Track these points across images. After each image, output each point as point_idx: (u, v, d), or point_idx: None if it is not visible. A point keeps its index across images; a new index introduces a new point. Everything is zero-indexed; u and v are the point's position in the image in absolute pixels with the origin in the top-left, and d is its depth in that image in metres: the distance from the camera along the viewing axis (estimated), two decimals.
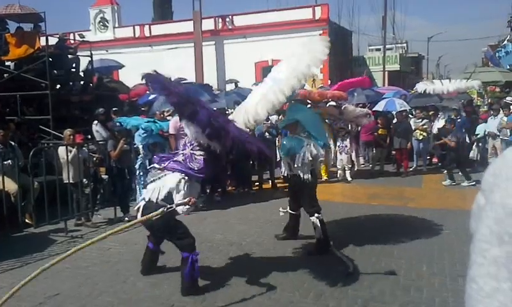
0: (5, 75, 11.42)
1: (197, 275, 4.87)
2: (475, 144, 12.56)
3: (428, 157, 13.33)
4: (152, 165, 5.18)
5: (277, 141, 11.01)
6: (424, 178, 11.64)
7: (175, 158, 4.87)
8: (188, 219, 8.09)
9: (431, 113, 13.19)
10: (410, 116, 13.53)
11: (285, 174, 6.62)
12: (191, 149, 4.82)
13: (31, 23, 12.17)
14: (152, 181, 4.87)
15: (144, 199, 4.91)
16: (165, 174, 4.78)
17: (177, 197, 4.61)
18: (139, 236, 7.15)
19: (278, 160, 11.49)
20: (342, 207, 8.61)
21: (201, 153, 4.76)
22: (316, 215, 6.11)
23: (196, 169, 4.73)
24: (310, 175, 6.07)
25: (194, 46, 25.33)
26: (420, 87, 13.50)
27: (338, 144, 11.08)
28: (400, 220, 7.49)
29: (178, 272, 5.06)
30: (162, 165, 4.86)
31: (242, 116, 5.47)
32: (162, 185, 4.71)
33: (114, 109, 10.64)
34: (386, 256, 5.89)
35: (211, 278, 5.25)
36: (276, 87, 5.43)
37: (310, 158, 5.96)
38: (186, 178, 4.69)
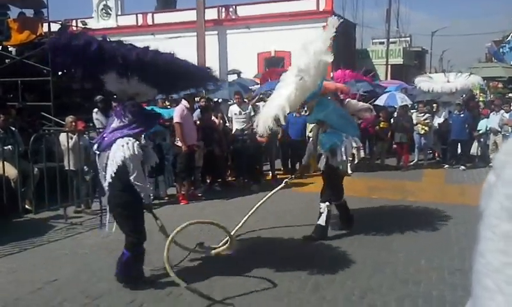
0: (7, 60, 11.39)
1: (135, 273, 4.66)
2: (476, 139, 12.53)
3: (429, 152, 13.32)
4: (95, 152, 4.64)
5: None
6: (424, 172, 11.64)
7: (109, 130, 4.43)
8: (187, 209, 8.17)
9: (434, 106, 13.16)
10: (412, 110, 13.51)
11: (322, 169, 6.64)
12: (122, 107, 4.43)
13: (34, 9, 12.11)
14: (105, 166, 4.41)
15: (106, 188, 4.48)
16: (110, 150, 4.34)
17: (131, 167, 4.19)
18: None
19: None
20: None
21: (131, 102, 4.40)
22: (327, 203, 6.33)
23: (128, 122, 4.33)
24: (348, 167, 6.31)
25: (197, 35, 25.22)
26: (422, 84, 13.35)
27: None
28: (400, 214, 7.49)
29: (178, 258, 5.07)
30: (102, 145, 4.42)
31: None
32: (112, 159, 4.27)
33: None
34: (385, 249, 5.90)
35: (208, 269, 5.26)
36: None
37: (352, 151, 6.28)
38: (131, 138, 4.28)
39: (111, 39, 4.41)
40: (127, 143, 4.20)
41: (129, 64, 4.08)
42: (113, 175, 4.27)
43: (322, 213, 6.31)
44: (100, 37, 4.29)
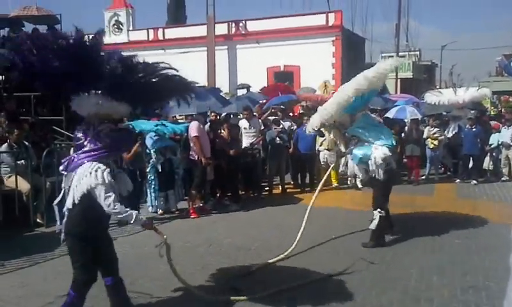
0: None
1: None
2: (488, 154, 12.41)
3: (440, 166, 13.22)
4: (62, 173, 4.22)
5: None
6: (435, 187, 11.54)
7: (79, 152, 4.03)
8: (198, 223, 8.18)
9: (445, 119, 13.09)
10: (423, 124, 13.44)
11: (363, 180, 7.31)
12: (95, 132, 4.01)
13: (47, 25, 12.33)
14: (69, 189, 3.97)
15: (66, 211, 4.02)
16: (75, 173, 3.90)
17: (102, 196, 3.75)
18: (149, 239, 7.18)
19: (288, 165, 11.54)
20: (352, 214, 8.55)
21: (106, 126, 4.00)
22: (379, 209, 6.69)
23: (100, 146, 3.92)
24: (386, 174, 6.64)
25: (207, 50, 25.42)
26: (429, 98, 13.29)
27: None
28: (411, 229, 7.41)
29: (187, 276, 5.06)
30: (70, 167, 4.02)
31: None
32: (76, 184, 3.82)
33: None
34: (396, 265, 5.85)
35: (218, 283, 5.24)
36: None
37: (381, 162, 6.52)
38: (100, 165, 3.82)
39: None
40: (96, 171, 3.75)
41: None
42: (75, 202, 3.83)
43: (374, 219, 6.68)
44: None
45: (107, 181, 3.74)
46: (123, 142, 4.36)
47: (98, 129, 3.96)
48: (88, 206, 3.80)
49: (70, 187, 3.91)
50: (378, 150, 6.63)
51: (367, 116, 7.21)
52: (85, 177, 3.75)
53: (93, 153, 3.90)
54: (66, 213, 3.96)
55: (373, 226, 6.67)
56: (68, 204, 3.89)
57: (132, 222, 3.87)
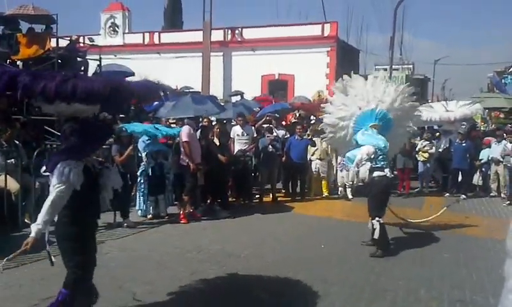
0: None
1: None
2: (478, 169, 12.50)
3: (431, 180, 13.29)
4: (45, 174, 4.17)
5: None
6: (425, 200, 11.59)
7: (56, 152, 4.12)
8: (187, 228, 8.15)
9: (437, 135, 13.20)
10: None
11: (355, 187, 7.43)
12: (62, 130, 3.98)
13: (43, 24, 12.27)
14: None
15: None
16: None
17: (51, 191, 3.68)
18: (138, 243, 7.16)
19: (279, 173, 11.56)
20: (342, 224, 8.58)
21: (70, 124, 3.91)
22: (377, 218, 6.74)
23: (71, 144, 3.85)
24: (379, 182, 6.81)
25: (203, 56, 25.46)
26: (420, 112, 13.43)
27: (339, 160, 11.09)
28: (400, 241, 7.45)
29: (175, 281, 5.04)
30: (49, 167, 3.91)
31: None
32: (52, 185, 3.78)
33: (120, 115, 10.66)
34: (384, 275, 5.86)
35: (205, 289, 5.22)
36: None
37: (365, 157, 6.69)
38: (69, 162, 3.73)
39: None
40: (64, 168, 3.69)
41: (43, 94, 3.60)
42: None
43: (375, 228, 6.71)
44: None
45: (66, 179, 3.65)
46: (94, 139, 4.14)
47: (64, 127, 3.92)
48: (68, 203, 3.73)
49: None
50: (362, 149, 6.80)
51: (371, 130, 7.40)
52: (55, 176, 3.71)
53: (64, 153, 3.86)
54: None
55: (376, 235, 6.70)
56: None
57: (31, 226, 3.71)
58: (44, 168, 4.08)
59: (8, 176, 7.21)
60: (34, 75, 3.66)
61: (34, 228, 3.61)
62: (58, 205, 3.69)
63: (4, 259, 3.64)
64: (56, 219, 3.89)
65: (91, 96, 3.67)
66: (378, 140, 7.01)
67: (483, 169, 12.40)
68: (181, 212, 8.58)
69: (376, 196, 6.91)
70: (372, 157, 6.80)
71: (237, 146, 10.26)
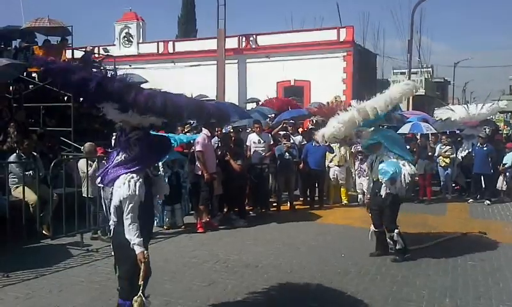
0: (30, 86, 11.62)
1: None
2: (502, 173, 12.18)
3: (454, 185, 13.00)
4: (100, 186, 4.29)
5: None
6: (447, 207, 11.34)
7: (113, 164, 3.99)
8: (204, 238, 8.07)
9: (458, 139, 12.94)
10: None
11: (381, 194, 6.79)
12: (126, 139, 3.96)
13: (59, 36, 12.42)
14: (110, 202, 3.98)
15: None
16: (114, 186, 3.89)
17: (126, 207, 3.72)
18: (154, 254, 7.07)
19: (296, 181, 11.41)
20: (362, 232, 8.36)
21: (136, 133, 3.93)
22: (396, 230, 6.64)
23: (133, 156, 3.87)
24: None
25: (217, 64, 25.52)
26: (440, 114, 13.19)
27: (356, 167, 10.89)
28: (423, 249, 7.25)
29: (193, 293, 4.94)
30: (105, 180, 3.99)
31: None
32: (114, 198, 3.85)
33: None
34: (407, 285, 5.69)
35: (223, 301, 5.12)
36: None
37: (410, 179, 6.51)
38: (134, 175, 3.78)
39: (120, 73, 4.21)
40: (129, 181, 3.75)
41: (133, 105, 3.69)
42: (116, 213, 3.87)
43: (396, 240, 6.61)
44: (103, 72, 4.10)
45: (137, 192, 3.71)
46: (157, 151, 4.24)
47: (129, 136, 3.93)
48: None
49: (110, 199, 3.92)
50: (407, 167, 6.57)
51: (383, 129, 7.26)
52: (119, 189, 3.75)
53: (127, 164, 3.86)
54: (112, 227, 3.98)
55: (400, 245, 6.63)
56: (113, 216, 3.89)
57: (132, 245, 3.71)
58: (99, 180, 4.10)
59: (25, 187, 7.24)
60: (122, 81, 3.75)
61: (135, 246, 3.67)
62: (135, 216, 3.71)
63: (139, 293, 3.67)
64: (112, 227, 3.97)
65: (178, 112, 3.81)
66: (407, 151, 6.95)
67: (507, 174, 12.08)
68: (198, 222, 8.51)
69: (394, 206, 6.75)
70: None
71: (254, 154, 10.16)
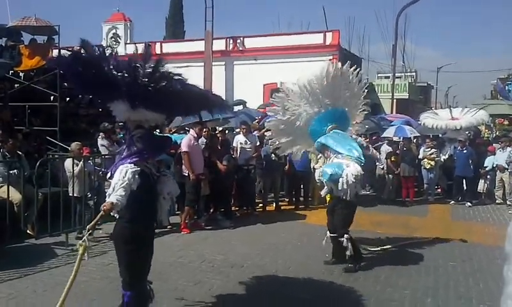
0: (16, 85, 11.52)
1: None
2: (483, 176, 12.41)
3: (437, 187, 13.21)
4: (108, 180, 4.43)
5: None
6: (429, 208, 11.52)
7: (120, 158, 4.20)
8: (190, 238, 8.08)
9: (441, 142, 13.15)
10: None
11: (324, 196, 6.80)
12: (130, 136, 4.16)
13: (45, 35, 12.32)
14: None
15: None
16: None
17: (116, 188, 3.80)
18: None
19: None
20: None
21: (139, 131, 4.11)
22: (346, 236, 6.28)
23: (135, 151, 4.02)
24: (354, 195, 6.29)
25: (204, 65, 25.51)
26: (426, 120, 13.41)
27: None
28: (406, 250, 7.37)
29: (178, 292, 4.97)
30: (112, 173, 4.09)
31: None
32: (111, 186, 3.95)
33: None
34: (390, 286, 5.78)
35: (209, 300, 5.16)
36: None
37: (353, 180, 6.10)
38: (129, 166, 3.90)
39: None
40: (123, 170, 3.85)
41: (135, 94, 3.94)
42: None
43: (346, 246, 6.25)
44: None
45: (127, 178, 3.80)
46: (158, 146, 4.43)
47: (133, 133, 4.12)
48: (129, 205, 3.85)
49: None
50: (350, 167, 6.16)
51: (336, 131, 6.87)
52: (114, 178, 3.89)
53: (128, 158, 4.02)
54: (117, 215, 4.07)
55: (350, 252, 6.25)
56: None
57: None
58: (109, 174, 4.22)
59: (10, 186, 7.18)
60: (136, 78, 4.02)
61: (112, 198, 3.73)
62: (122, 192, 3.76)
63: (87, 228, 3.84)
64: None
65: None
66: (359, 150, 6.45)
67: (488, 177, 12.31)
68: (182, 222, 8.52)
69: (346, 211, 6.43)
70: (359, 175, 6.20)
71: (240, 155, 10.20)
